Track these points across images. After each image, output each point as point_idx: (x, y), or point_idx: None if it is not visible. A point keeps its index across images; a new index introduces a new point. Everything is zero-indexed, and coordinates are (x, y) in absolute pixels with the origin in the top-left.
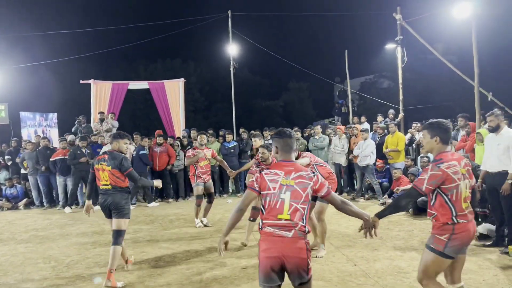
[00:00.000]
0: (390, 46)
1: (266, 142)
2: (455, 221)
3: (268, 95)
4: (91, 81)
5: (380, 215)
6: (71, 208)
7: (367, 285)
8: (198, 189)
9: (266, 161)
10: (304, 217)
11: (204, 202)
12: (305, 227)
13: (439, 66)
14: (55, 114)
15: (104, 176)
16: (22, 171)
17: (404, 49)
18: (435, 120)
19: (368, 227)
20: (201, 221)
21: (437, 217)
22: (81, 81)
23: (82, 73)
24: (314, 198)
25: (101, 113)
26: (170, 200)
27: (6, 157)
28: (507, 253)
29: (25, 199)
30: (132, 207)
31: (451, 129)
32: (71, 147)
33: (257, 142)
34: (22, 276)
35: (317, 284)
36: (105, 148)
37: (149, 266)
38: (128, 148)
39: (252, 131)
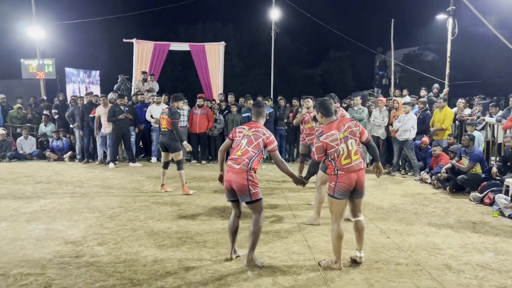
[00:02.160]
0: (440, 16)
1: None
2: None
3: (306, 63)
4: (133, 40)
5: (307, 178)
6: (114, 164)
7: (400, 258)
8: (302, 148)
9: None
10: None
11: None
12: (248, 164)
13: (490, 40)
14: (98, 72)
15: (163, 122)
16: (70, 125)
17: (455, 20)
18: (319, 99)
19: (297, 184)
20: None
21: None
22: (124, 40)
23: (125, 32)
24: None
25: (144, 72)
26: (204, 162)
27: (53, 110)
28: None
29: (70, 152)
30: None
31: (330, 104)
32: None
33: (309, 102)
34: (69, 223)
35: (349, 253)
36: (153, 108)
37: (186, 224)
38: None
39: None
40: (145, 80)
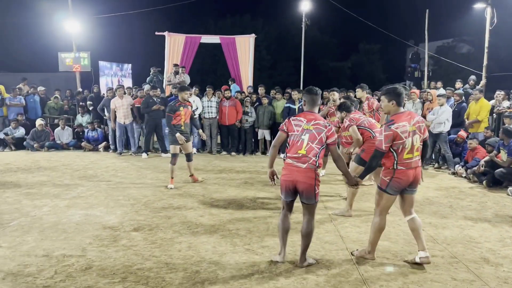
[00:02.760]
0: (478, 6)
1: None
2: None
3: (336, 56)
4: (165, 33)
5: (362, 176)
6: (147, 154)
7: (435, 250)
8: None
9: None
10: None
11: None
12: (316, 162)
13: None
14: (130, 65)
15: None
16: (104, 116)
17: (494, 10)
18: (391, 86)
19: (350, 184)
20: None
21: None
22: (156, 33)
23: (156, 25)
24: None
25: (176, 65)
26: (233, 153)
27: (88, 102)
28: None
29: (105, 142)
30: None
31: (403, 93)
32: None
33: (335, 95)
34: (107, 209)
35: (383, 244)
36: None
37: (218, 212)
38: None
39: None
40: (176, 73)
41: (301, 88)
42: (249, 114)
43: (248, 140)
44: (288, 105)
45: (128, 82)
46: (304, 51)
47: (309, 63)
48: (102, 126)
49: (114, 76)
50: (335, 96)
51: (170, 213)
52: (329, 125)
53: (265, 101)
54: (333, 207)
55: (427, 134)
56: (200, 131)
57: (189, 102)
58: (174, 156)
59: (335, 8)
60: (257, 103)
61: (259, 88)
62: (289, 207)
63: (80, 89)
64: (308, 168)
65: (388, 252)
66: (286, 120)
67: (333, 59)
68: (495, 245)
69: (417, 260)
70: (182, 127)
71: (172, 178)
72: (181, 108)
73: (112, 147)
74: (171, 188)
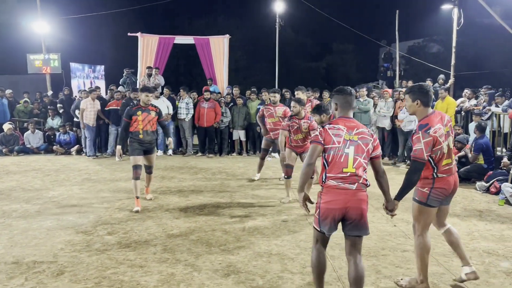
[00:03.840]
0: (445, 7)
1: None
2: (436, 176)
3: (310, 56)
4: (138, 34)
5: (399, 197)
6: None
7: (407, 245)
8: (264, 143)
9: (298, 114)
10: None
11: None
12: (366, 180)
13: (495, 31)
14: (103, 66)
15: None
16: (75, 119)
17: (461, 11)
18: (416, 84)
19: (389, 208)
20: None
21: None
22: (129, 34)
23: (129, 26)
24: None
25: (149, 68)
26: (211, 155)
27: (59, 105)
28: None
29: (77, 146)
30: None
31: (431, 92)
32: (123, 99)
33: (299, 94)
34: (79, 214)
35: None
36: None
37: (194, 214)
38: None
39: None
40: (150, 75)
41: (276, 87)
42: (224, 115)
43: (224, 141)
44: (260, 106)
45: (101, 84)
46: (279, 52)
47: (284, 64)
48: (74, 129)
49: (87, 78)
50: (301, 95)
51: (145, 216)
52: (374, 134)
53: (240, 101)
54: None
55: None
56: (170, 139)
57: (153, 106)
58: (135, 169)
59: (309, 9)
60: (232, 104)
61: (234, 89)
62: (326, 241)
63: (49, 92)
64: (359, 189)
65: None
66: (320, 128)
67: (307, 59)
68: (464, 239)
69: (464, 277)
70: (141, 135)
71: (137, 198)
72: (139, 113)
73: (85, 150)
74: (137, 212)
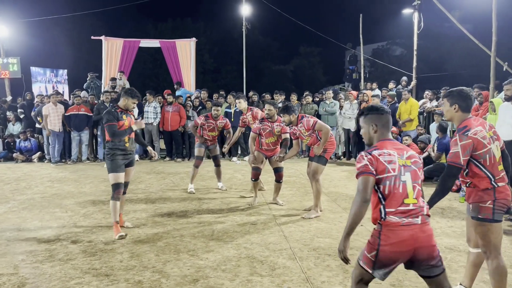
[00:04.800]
0: (406, 11)
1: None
2: (495, 185)
3: (278, 59)
4: (102, 38)
5: (430, 204)
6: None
7: None
8: (199, 150)
9: (271, 118)
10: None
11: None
12: (428, 209)
13: (454, 34)
14: (65, 71)
15: None
16: (36, 125)
17: (421, 15)
18: (456, 88)
19: None
20: (218, 187)
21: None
22: (92, 37)
23: (92, 29)
24: (311, 159)
25: (113, 79)
26: (179, 160)
27: (19, 110)
28: (511, 219)
29: (39, 152)
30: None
31: (471, 97)
32: (86, 103)
33: (241, 103)
34: (41, 223)
35: (324, 241)
36: None
37: (161, 219)
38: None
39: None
40: (114, 87)
41: (244, 91)
42: (191, 119)
43: (193, 145)
44: (227, 110)
45: (64, 88)
46: (247, 55)
47: (252, 67)
48: (35, 136)
49: (49, 83)
50: (242, 105)
51: (111, 223)
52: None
53: (208, 105)
54: (277, 207)
55: (502, 141)
56: (150, 148)
57: (132, 112)
58: (118, 188)
59: (276, 12)
60: (201, 107)
61: (202, 92)
62: (369, 282)
63: (10, 97)
64: (425, 222)
65: (330, 249)
66: (368, 156)
67: (275, 62)
68: None
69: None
70: (127, 143)
71: (116, 222)
72: (124, 117)
73: (47, 157)
74: (122, 238)
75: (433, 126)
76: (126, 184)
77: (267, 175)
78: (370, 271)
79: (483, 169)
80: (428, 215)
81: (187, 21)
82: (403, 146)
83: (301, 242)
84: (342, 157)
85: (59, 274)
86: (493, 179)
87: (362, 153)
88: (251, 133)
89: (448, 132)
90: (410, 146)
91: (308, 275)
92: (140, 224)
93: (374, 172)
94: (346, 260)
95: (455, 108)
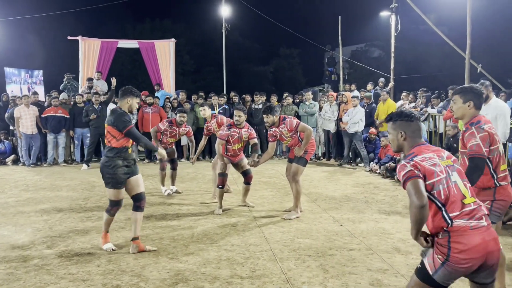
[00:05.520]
0: (384, 13)
1: (256, 106)
2: (497, 185)
3: (258, 60)
4: (79, 38)
5: None
6: (88, 166)
7: (353, 244)
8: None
9: (240, 124)
10: None
11: (169, 169)
12: (487, 208)
13: (430, 36)
14: (41, 71)
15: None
16: (11, 127)
17: (398, 17)
18: (468, 85)
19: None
20: (171, 189)
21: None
22: (69, 37)
23: (69, 29)
24: (290, 160)
25: (90, 79)
26: (157, 161)
27: None
28: None
29: (13, 155)
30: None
31: (483, 94)
32: (64, 105)
33: (206, 111)
34: (15, 228)
35: (304, 242)
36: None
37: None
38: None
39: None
40: (91, 87)
41: (224, 92)
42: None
43: (197, 140)
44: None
45: (40, 90)
46: (227, 56)
47: (232, 68)
48: (9, 138)
49: (24, 84)
50: (207, 112)
51: (88, 227)
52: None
53: (187, 106)
54: (257, 209)
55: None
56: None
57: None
58: (116, 205)
59: (256, 14)
60: (179, 108)
61: (181, 94)
62: None
63: None
64: (489, 223)
65: (310, 249)
66: (411, 162)
67: (255, 63)
68: (405, 235)
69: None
70: (130, 150)
71: (106, 232)
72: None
73: (22, 160)
74: (113, 250)
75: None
76: (141, 196)
77: (233, 176)
78: (440, 282)
79: (490, 165)
80: (488, 214)
81: (166, 22)
82: (437, 147)
83: (282, 243)
84: (322, 158)
85: (34, 280)
86: (496, 178)
87: (403, 161)
88: (218, 139)
89: (424, 133)
90: (387, 146)
91: (288, 276)
92: (118, 227)
93: (421, 176)
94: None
95: (469, 105)
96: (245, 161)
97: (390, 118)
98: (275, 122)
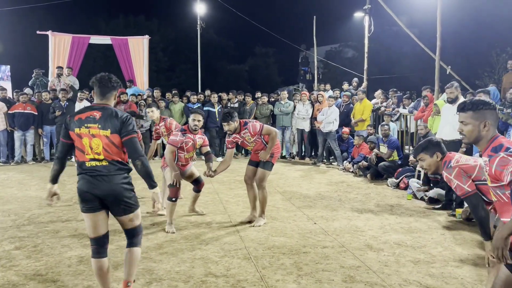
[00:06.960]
0: (358, 14)
1: (232, 105)
2: None
3: (233, 59)
4: (49, 33)
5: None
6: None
7: (326, 241)
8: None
9: (196, 130)
10: None
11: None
12: None
13: (402, 38)
14: (8, 67)
15: (95, 144)
16: None
17: (371, 19)
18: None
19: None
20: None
21: None
22: (38, 32)
23: (39, 24)
24: (256, 164)
25: (60, 67)
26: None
27: None
28: (454, 215)
29: None
30: None
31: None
32: (31, 101)
33: (154, 113)
34: None
35: (279, 240)
36: (81, 106)
37: (113, 221)
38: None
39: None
40: (59, 75)
41: (199, 90)
42: (145, 118)
43: (146, 144)
44: (207, 108)
45: (7, 86)
46: (202, 54)
47: (207, 66)
48: None
49: None
50: (155, 114)
51: (58, 227)
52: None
53: (161, 104)
54: (233, 208)
55: None
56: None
57: None
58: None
59: (231, 12)
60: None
61: (155, 91)
62: None
63: None
64: None
65: (284, 247)
66: (502, 155)
67: (230, 62)
68: (377, 232)
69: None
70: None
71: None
72: None
73: None
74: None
75: (393, 126)
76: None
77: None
78: None
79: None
80: None
81: (140, 18)
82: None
83: (256, 241)
84: (296, 157)
85: (1, 281)
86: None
87: (503, 154)
88: (169, 146)
89: (395, 132)
90: (361, 146)
91: (262, 274)
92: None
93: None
94: (505, 259)
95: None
96: (194, 168)
97: (469, 107)
98: (237, 128)
